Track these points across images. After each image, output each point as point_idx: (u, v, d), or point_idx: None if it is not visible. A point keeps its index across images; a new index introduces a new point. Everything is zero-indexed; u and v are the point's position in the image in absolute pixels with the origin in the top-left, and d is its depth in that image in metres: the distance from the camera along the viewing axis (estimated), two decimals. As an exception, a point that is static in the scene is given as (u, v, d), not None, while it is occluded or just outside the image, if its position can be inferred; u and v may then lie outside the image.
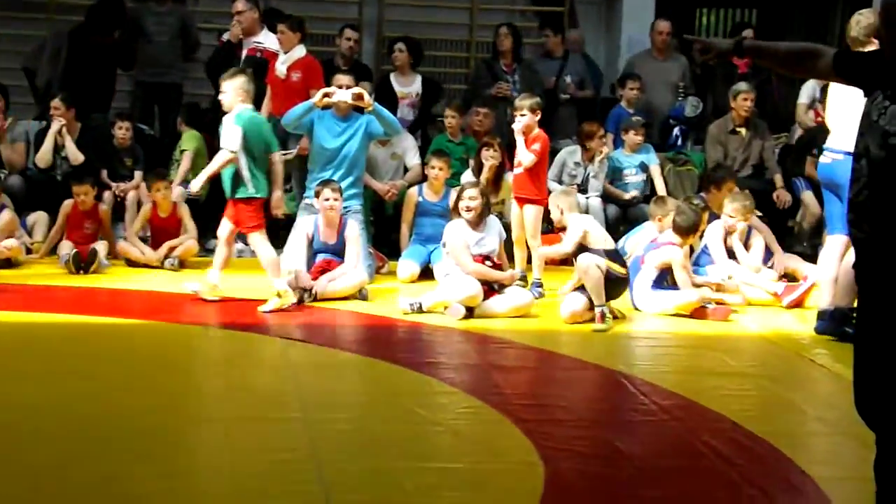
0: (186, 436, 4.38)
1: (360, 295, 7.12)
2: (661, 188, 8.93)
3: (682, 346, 6.27)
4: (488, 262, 6.85)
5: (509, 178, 8.24)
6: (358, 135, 7.80)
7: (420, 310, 6.66)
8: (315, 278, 7.06)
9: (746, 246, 7.66)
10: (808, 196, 8.79)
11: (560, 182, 8.74)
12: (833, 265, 6.22)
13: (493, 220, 7.07)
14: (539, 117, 7.38)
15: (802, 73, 4.56)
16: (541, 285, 7.36)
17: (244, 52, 8.93)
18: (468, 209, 6.93)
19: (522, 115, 7.32)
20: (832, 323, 6.22)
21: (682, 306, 6.83)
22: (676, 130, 9.62)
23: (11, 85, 9.14)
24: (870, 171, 3.44)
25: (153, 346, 5.86)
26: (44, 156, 8.61)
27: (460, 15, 11.20)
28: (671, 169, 9.27)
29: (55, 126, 8.59)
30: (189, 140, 8.86)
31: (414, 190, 8.32)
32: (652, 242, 7.23)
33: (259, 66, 8.70)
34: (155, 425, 4.44)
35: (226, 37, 9.11)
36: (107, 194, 8.56)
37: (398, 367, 5.48)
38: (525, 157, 7.30)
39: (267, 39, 8.93)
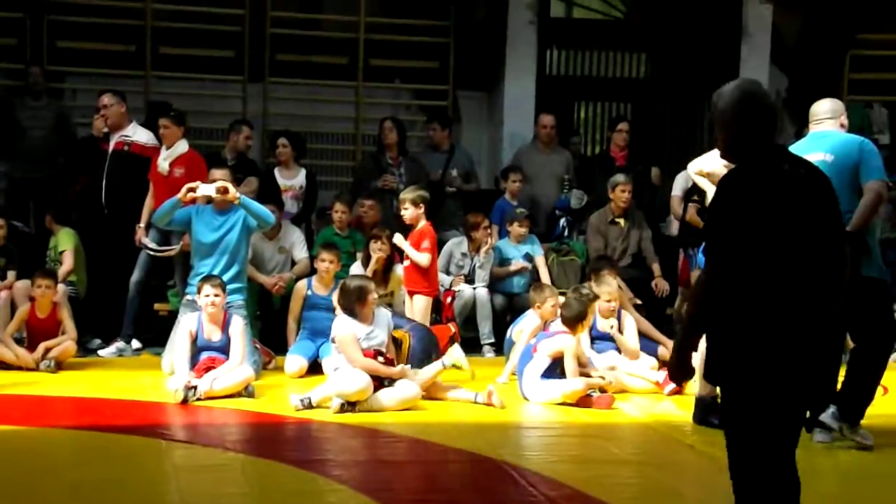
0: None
1: (247, 392, 6.99)
2: (545, 277, 9.07)
3: (568, 435, 6.31)
4: (379, 358, 6.80)
5: (398, 269, 8.28)
6: (236, 227, 7.74)
7: (310, 405, 6.57)
8: (199, 376, 6.92)
9: (620, 329, 7.80)
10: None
11: (447, 273, 8.81)
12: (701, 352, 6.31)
13: (382, 313, 7.05)
14: (423, 210, 7.46)
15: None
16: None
17: (111, 146, 8.80)
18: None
19: (406, 209, 7.40)
20: (699, 412, 6.34)
21: (569, 395, 6.89)
22: (563, 221, 9.81)
23: None
24: None
25: (26, 454, 5.63)
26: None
27: (345, 108, 11.30)
28: (555, 259, 9.42)
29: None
30: (66, 239, 8.68)
31: (303, 283, 8.28)
32: (544, 332, 7.30)
33: (128, 160, 8.63)
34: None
35: (89, 131, 8.98)
36: (-23, 293, 8.28)
37: (285, 466, 5.37)
38: (418, 257, 7.37)
39: (135, 133, 8.82)
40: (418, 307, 7.39)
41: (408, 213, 7.38)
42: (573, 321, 7.12)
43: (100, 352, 8.41)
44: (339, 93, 11.30)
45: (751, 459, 3.46)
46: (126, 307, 8.46)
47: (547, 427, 6.56)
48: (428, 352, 7.25)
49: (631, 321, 7.89)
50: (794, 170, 3.50)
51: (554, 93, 11.44)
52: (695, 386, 6.59)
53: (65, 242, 8.68)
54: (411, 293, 7.44)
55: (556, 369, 7.02)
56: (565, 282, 9.07)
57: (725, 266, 3.44)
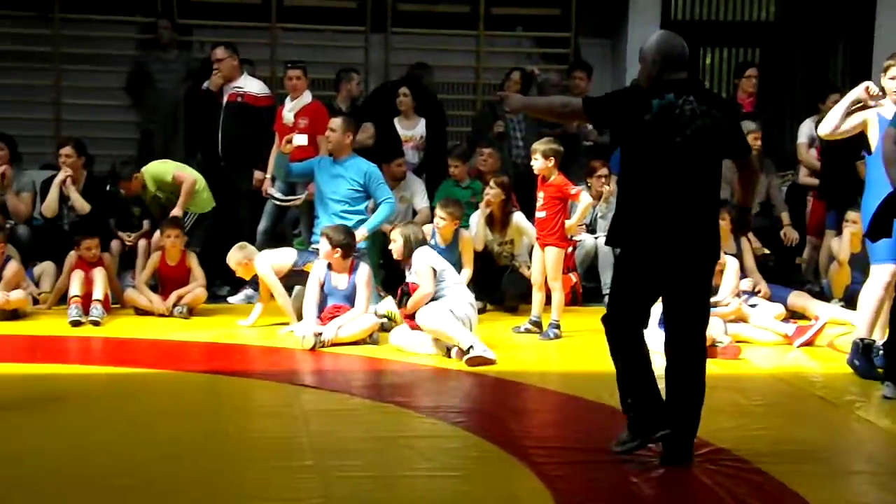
0: (198, 485, 4.34)
1: (371, 340, 7.09)
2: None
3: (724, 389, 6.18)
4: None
5: (517, 218, 8.24)
6: (352, 177, 7.80)
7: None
8: (324, 323, 7.04)
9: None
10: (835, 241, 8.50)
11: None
12: (876, 295, 6.14)
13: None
14: (553, 164, 7.31)
15: (560, 119, 5.66)
16: (558, 327, 7.35)
17: (225, 99, 8.95)
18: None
19: (535, 160, 7.32)
20: (856, 355, 6.18)
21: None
22: None
23: (18, 135, 9.16)
24: None
25: (163, 396, 5.82)
26: (50, 205, 8.61)
27: (466, 58, 11.25)
28: None
29: (60, 176, 8.60)
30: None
31: (427, 232, 8.31)
32: None
33: (241, 111, 8.76)
34: (168, 475, 4.41)
35: (206, 85, 9.15)
36: (114, 243, 8.56)
37: (410, 412, 5.45)
38: (584, 198, 7.35)
39: (247, 84, 8.96)
40: (550, 259, 7.34)
41: (537, 164, 7.29)
42: None
43: (229, 299, 8.62)
44: (460, 42, 11.25)
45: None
46: None
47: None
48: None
49: (734, 265, 7.55)
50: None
51: (679, 38, 11.17)
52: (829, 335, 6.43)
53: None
54: (543, 245, 7.39)
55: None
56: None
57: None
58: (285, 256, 7.68)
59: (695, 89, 4.57)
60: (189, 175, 8.47)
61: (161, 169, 8.55)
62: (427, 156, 9.55)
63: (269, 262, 7.55)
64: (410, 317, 6.86)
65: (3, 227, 8.08)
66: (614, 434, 4.72)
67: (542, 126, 9.22)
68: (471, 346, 6.48)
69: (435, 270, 6.93)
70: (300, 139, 7.89)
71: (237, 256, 7.63)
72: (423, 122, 9.56)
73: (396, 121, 9.52)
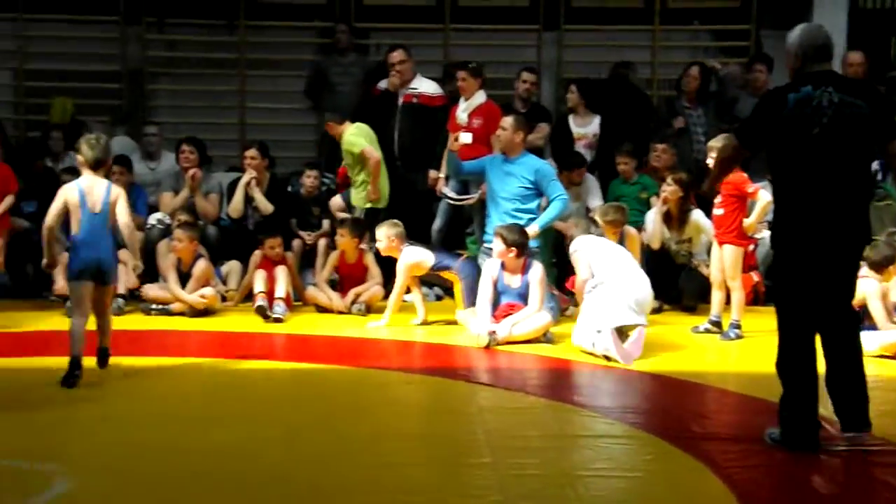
0: (378, 480, 4.40)
1: (545, 338, 7.07)
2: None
3: (886, 390, 5.92)
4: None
5: (696, 215, 8.07)
6: (524, 174, 7.78)
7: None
8: (498, 321, 7.05)
9: None
10: None
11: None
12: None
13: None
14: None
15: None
16: (738, 327, 7.17)
17: (400, 100, 9.06)
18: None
19: (711, 157, 7.14)
20: None
21: (888, 346, 6.48)
22: (876, 164, 9.19)
23: (205, 138, 9.52)
24: None
25: (342, 391, 5.93)
26: (236, 206, 8.92)
27: (641, 53, 11.08)
28: (871, 205, 8.83)
29: (245, 178, 8.90)
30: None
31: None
32: None
33: (416, 112, 8.84)
34: (346, 470, 4.48)
35: (383, 85, 9.25)
36: (296, 243, 8.80)
37: (587, 411, 5.40)
38: (763, 196, 7.12)
39: (422, 85, 9.05)
40: (728, 257, 7.16)
41: (712, 161, 7.12)
42: (879, 264, 6.71)
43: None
44: (635, 37, 11.08)
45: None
46: None
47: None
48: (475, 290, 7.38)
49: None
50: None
51: (867, 27, 10.72)
52: None
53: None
54: (721, 242, 7.21)
55: (864, 319, 6.61)
56: (880, 228, 8.48)
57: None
58: (426, 256, 7.74)
59: (835, 80, 4.60)
60: (375, 154, 8.60)
61: (355, 138, 8.67)
62: (599, 153, 9.46)
63: (412, 259, 7.64)
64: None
65: (195, 226, 8.42)
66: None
67: (723, 121, 9.00)
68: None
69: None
70: (466, 137, 7.97)
71: (388, 232, 7.73)
72: (597, 119, 9.47)
73: (570, 118, 9.47)
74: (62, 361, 5.70)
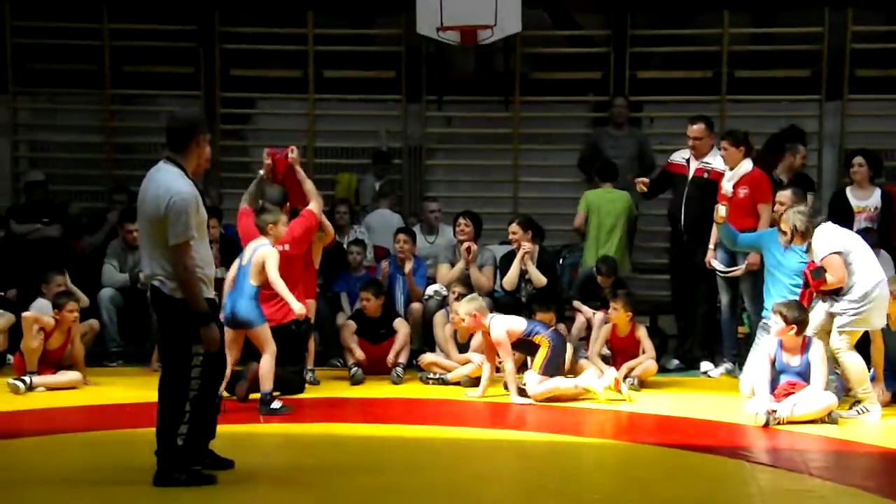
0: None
1: (830, 419, 6.75)
2: None
3: None
4: None
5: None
6: (804, 250, 7.50)
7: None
8: (778, 400, 6.81)
9: None
10: None
11: None
12: None
13: None
14: None
15: None
16: None
17: (691, 172, 8.95)
18: None
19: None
20: None
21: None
22: None
23: (479, 211, 9.72)
24: None
25: (618, 469, 5.94)
26: (511, 279, 9.06)
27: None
28: None
29: (521, 251, 9.02)
30: None
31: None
32: None
33: (705, 186, 8.72)
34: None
35: (675, 159, 9.19)
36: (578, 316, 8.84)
37: (876, 497, 5.10)
38: None
39: (716, 160, 8.90)
40: None
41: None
42: None
43: (710, 372, 8.65)
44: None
45: None
46: (722, 328, 8.70)
47: None
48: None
49: None
50: None
51: None
52: None
53: None
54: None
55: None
56: None
57: None
58: (519, 322, 7.65)
59: None
60: None
61: None
62: (880, 227, 8.99)
63: (506, 326, 7.58)
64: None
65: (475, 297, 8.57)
66: None
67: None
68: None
69: None
70: (722, 210, 7.91)
71: (468, 308, 7.63)
72: (878, 192, 9.05)
73: (848, 190, 9.10)
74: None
